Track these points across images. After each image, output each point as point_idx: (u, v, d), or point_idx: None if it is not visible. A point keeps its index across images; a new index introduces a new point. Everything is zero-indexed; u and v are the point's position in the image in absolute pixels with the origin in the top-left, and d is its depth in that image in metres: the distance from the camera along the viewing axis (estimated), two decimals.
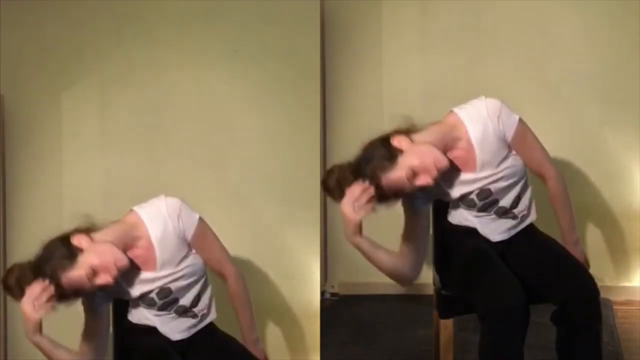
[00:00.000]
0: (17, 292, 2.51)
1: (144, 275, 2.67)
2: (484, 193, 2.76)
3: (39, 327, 2.53)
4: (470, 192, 2.76)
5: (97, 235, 2.59)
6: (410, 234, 2.78)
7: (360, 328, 3.80)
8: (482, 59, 4.05)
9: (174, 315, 2.70)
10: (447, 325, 2.97)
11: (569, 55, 4.00)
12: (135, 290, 2.67)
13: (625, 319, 3.76)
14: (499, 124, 2.73)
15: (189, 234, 2.73)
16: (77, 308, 2.73)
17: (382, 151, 2.64)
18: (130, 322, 2.74)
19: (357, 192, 2.60)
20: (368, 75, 4.17)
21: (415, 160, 2.60)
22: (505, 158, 2.76)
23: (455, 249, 2.85)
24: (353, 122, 4.19)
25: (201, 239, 2.75)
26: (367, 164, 2.63)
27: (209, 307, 2.78)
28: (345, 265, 4.27)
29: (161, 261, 2.67)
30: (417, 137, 2.68)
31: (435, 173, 2.61)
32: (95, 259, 2.52)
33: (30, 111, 3.44)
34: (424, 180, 2.60)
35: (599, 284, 2.73)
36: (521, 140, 2.77)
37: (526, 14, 4.00)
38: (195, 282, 2.74)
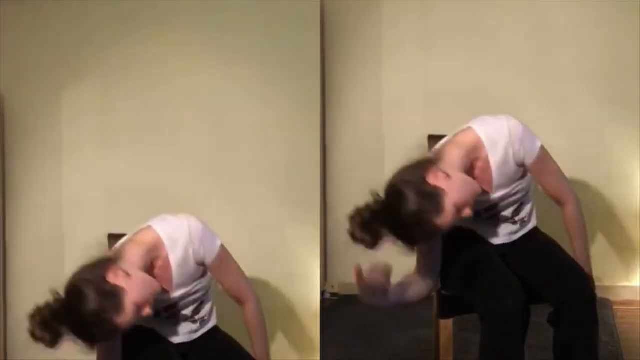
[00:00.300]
0: (51, 341, 2.30)
1: (159, 295, 2.54)
2: (492, 208, 2.75)
3: None
4: (480, 209, 2.72)
5: (125, 265, 2.42)
6: (426, 268, 2.68)
7: (360, 328, 3.80)
8: (482, 59, 4.05)
9: (174, 320, 2.69)
10: (447, 325, 2.97)
11: (569, 55, 4.00)
12: None
13: (625, 319, 3.76)
14: (520, 150, 2.62)
15: (209, 260, 2.62)
16: None
17: (423, 194, 2.42)
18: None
19: (375, 282, 2.52)
20: (368, 75, 4.17)
21: (458, 197, 2.44)
22: (520, 178, 2.71)
23: (455, 249, 2.85)
24: (353, 122, 4.19)
25: (220, 266, 2.66)
26: (408, 211, 2.41)
27: (210, 314, 2.76)
28: (345, 265, 4.25)
29: (177, 284, 2.59)
30: (446, 167, 2.49)
31: (473, 203, 2.50)
32: (138, 297, 2.36)
33: (30, 111, 3.44)
34: (465, 213, 2.47)
35: (598, 284, 2.73)
36: (541, 167, 2.68)
37: (526, 14, 4.00)
38: (203, 296, 2.71)
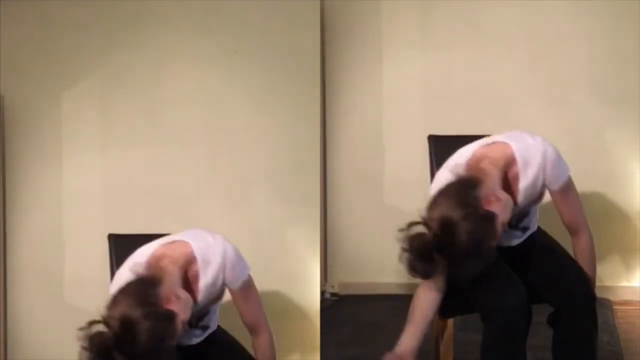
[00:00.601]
0: None
1: None
2: None
3: None
4: None
5: (170, 286, 2.40)
6: (442, 271, 2.56)
7: (360, 328, 3.79)
8: (482, 59, 4.05)
9: None
10: (447, 325, 2.97)
11: (570, 55, 4.00)
12: None
13: (625, 319, 3.76)
14: (550, 176, 2.61)
15: (235, 287, 2.60)
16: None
17: (481, 222, 2.37)
18: None
19: None
20: (368, 75, 4.17)
21: (505, 217, 2.46)
22: (537, 198, 2.69)
23: None
24: (353, 122, 4.19)
25: (244, 295, 2.63)
26: (469, 242, 2.34)
27: (213, 321, 2.75)
28: (345, 265, 4.27)
29: (200, 302, 2.56)
30: (492, 187, 2.47)
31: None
32: (185, 316, 2.40)
33: (30, 111, 3.44)
34: (503, 230, 2.48)
35: (598, 284, 2.73)
36: (563, 196, 2.66)
37: (526, 14, 4.00)
38: (212, 309, 2.71)
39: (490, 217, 2.39)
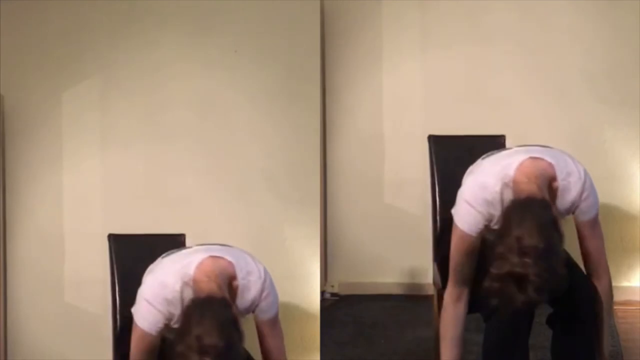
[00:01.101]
0: None
1: None
2: None
3: None
4: None
5: (237, 310, 2.42)
6: (469, 274, 2.56)
7: (360, 328, 3.79)
8: (482, 59, 4.05)
9: None
10: None
11: (570, 55, 4.00)
12: None
13: (625, 319, 3.76)
14: (584, 206, 2.55)
15: (264, 317, 2.54)
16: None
17: (559, 242, 2.34)
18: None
19: None
20: (368, 76, 4.17)
21: None
22: None
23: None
24: (353, 122, 4.19)
25: (271, 327, 2.57)
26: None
27: None
28: (345, 265, 4.27)
29: None
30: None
31: None
32: None
33: (30, 111, 3.44)
34: None
35: None
36: (591, 229, 2.59)
37: (526, 14, 4.00)
38: None
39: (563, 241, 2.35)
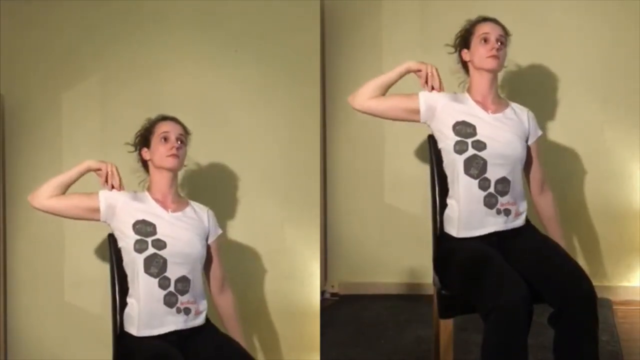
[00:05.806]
0: None
1: None
2: (479, 144, 2.89)
3: None
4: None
5: None
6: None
7: (360, 328, 3.80)
8: None
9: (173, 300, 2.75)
10: (447, 325, 2.97)
11: (569, 55, 4.01)
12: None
13: (625, 319, 3.76)
14: (533, 127, 3.05)
15: (213, 238, 2.91)
16: None
17: None
18: (131, 335, 2.73)
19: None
20: (368, 76, 4.15)
21: None
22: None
23: (455, 250, 2.85)
24: (353, 122, 4.19)
25: (217, 250, 2.93)
26: None
27: (201, 312, 2.81)
28: (345, 265, 4.27)
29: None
30: None
31: None
32: None
33: (30, 111, 3.44)
34: None
35: (598, 284, 2.73)
36: (539, 150, 3.04)
37: (526, 14, 4.00)
38: (196, 285, 2.81)
39: None
